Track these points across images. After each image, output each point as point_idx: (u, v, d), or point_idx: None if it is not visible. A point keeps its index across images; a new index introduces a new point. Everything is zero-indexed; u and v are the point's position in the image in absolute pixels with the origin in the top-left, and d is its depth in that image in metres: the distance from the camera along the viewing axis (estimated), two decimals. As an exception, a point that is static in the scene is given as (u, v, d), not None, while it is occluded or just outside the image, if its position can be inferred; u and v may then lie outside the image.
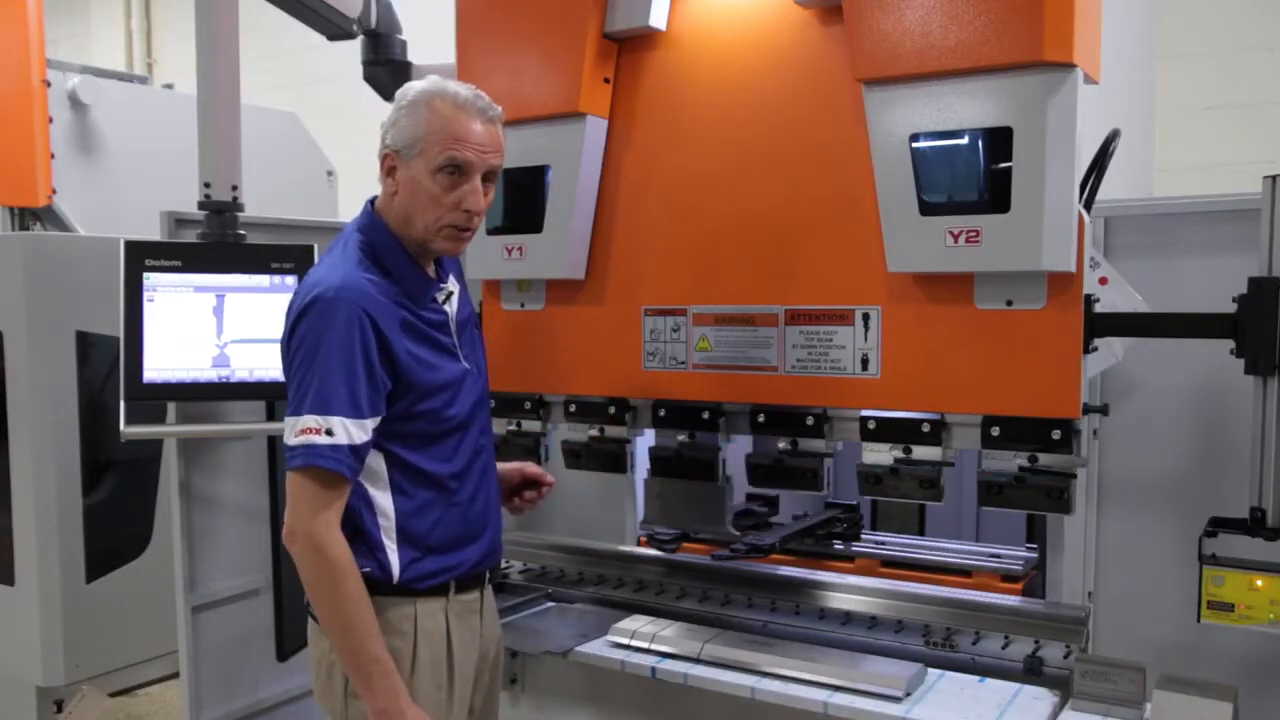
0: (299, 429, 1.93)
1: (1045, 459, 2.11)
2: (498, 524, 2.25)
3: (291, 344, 2.00)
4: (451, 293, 2.20)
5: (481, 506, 2.20)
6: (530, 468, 2.49)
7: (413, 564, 2.08)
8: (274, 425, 3.23)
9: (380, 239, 2.10)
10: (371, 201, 2.19)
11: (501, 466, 2.41)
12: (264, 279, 3.05)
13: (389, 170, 2.09)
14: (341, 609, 1.97)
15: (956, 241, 2.05)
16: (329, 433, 1.92)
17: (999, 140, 2.00)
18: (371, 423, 1.98)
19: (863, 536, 3.18)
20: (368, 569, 2.04)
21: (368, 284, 2.01)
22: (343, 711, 2.10)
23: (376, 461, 2.05)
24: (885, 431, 2.26)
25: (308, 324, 1.97)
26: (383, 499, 2.07)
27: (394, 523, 2.07)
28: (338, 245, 2.13)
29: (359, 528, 2.05)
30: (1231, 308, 2.02)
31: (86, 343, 3.60)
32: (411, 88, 2.08)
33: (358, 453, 1.96)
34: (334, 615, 1.99)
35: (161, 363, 2.96)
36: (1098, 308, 2.12)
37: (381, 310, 2.00)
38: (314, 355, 1.95)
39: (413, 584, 2.08)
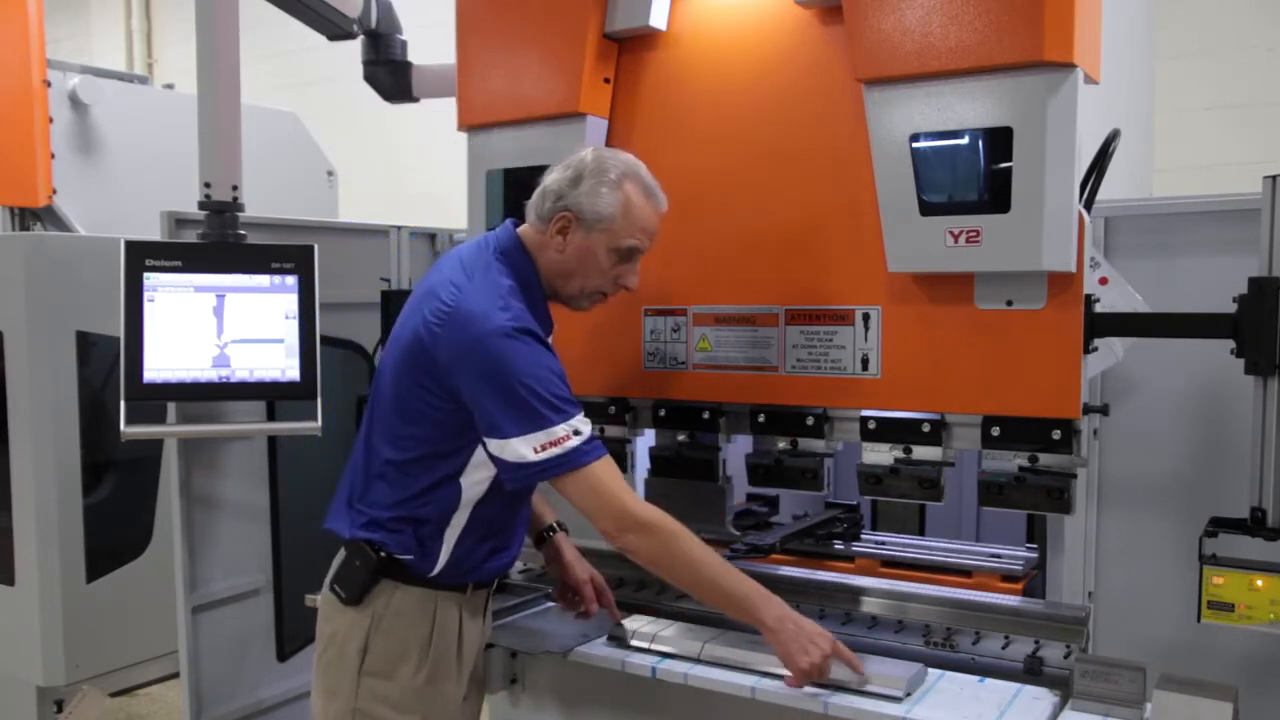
0: (544, 443, 1.99)
1: (1045, 459, 2.11)
2: (520, 539, 2.37)
3: (472, 371, 2.02)
4: (552, 333, 2.29)
5: (515, 525, 2.32)
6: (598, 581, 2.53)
7: (448, 566, 2.19)
8: (274, 425, 3.23)
9: (527, 273, 2.18)
10: (515, 224, 2.25)
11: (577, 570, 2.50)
12: (264, 279, 3.05)
13: (561, 229, 2.16)
14: (699, 567, 2.07)
15: (956, 241, 2.05)
16: (577, 432, 2.02)
17: (999, 140, 2.00)
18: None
19: (863, 536, 3.17)
20: (410, 557, 2.17)
21: (526, 315, 2.08)
22: (354, 689, 2.18)
23: (476, 488, 2.15)
24: (885, 431, 2.26)
25: (492, 356, 2.01)
26: (461, 516, 2.18)
27: (457, 534, 2.18)
28: (483, 265, 2.15)
29: (432, 523, 2.16)
30: (1231, 308, 2.02)
31: (86, 343, 3.60)
32: (609, 160, 2.17)
33: (596, 431, 2.12)
34: (695, 573, 2.07)
35: (161, 363, 2.96)
36: (1098, 308, 2.12)
37: (543, 338, 2.10)
38: (517, 379, 1.99)
39: (441, 580, 2.20)
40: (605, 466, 2.06)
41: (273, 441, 3.43)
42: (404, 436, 2.15)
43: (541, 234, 2.19)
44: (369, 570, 2.16)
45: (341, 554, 2.22)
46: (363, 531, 2.19)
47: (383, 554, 2.16)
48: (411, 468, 2.15)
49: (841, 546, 3.08)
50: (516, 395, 1.99)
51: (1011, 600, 2.45)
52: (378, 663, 2.18)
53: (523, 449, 2.00)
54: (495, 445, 2.03)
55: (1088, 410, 2.10)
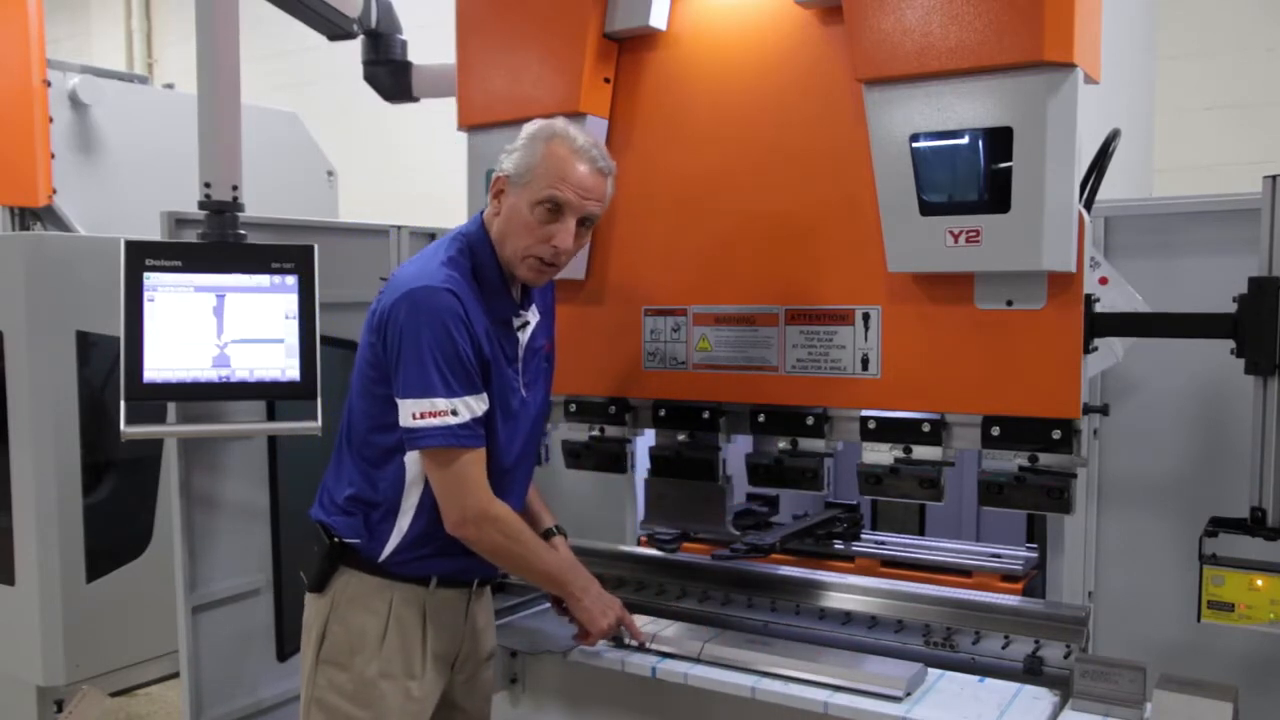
0: (424, 411, 2.05)
1: (1045, 459, 2.11)
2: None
3: (391, 332, 2.09)
4: (528, 323, 2.28)
5: None
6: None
7: (398, 552, 2.19)
8: (274, 425, 3.23)
9: (482, 250, 2.20)
10: (483, 212, 2.27)
11: None
12: (264, 279, 3.05)
13: (497, 193, 2.19)
14: (529, 557, 2.21)
15: (956, 241, 2.05)
16: (454, 413, 2.05)
17: (999, 140, 2.00)
18: (484, 397, 2.11)
19: (863, 536, 3.18)
20: (357, 540, 2.18)
21: (458, 282, 2.11)
22: (311, 677, 2.22)
23: (419, 465, 2.15)
24: (885, 431, 2.26)
25: (409, 313, 2.06)
26: (412, 497, 2.18)
27: (410, 518, 2.18)
28: (438, 244, 2.23)
29: (383, 505, 2.17)
30: (1231, 308, 2.02)
31: (86, 343, 3.60)
32: (536, 123, 2.20)
33: (480, 423, 2.10)
34: (525, 562, 2.23)
35: (161, 363, 2.96)
36: (1098, 308, 2.12)
37: (472, 308, 2.11)
38: (419, 339, 2.05)
39: (395, 570, 2.19)
40: (475, 456, 2.10)
41: (273, 441, 3.43)
42: (358, 413, 2.21)
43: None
44: (324, 555, 2.20)
45: None
46: (322, 513, 2.23)
47: (335, 539, 2.19)
48: (363, 445, 2.20)
49: (841, 546, 3.08)
50: (419, 355, 2.04)
51: (1011, 600, 2.45)
52: (333, 651, 2.19)
53: (406, 413, 2.06)
54: (399, 406, 2.08)
55: (1088, 410, 2.10)
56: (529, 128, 2.20)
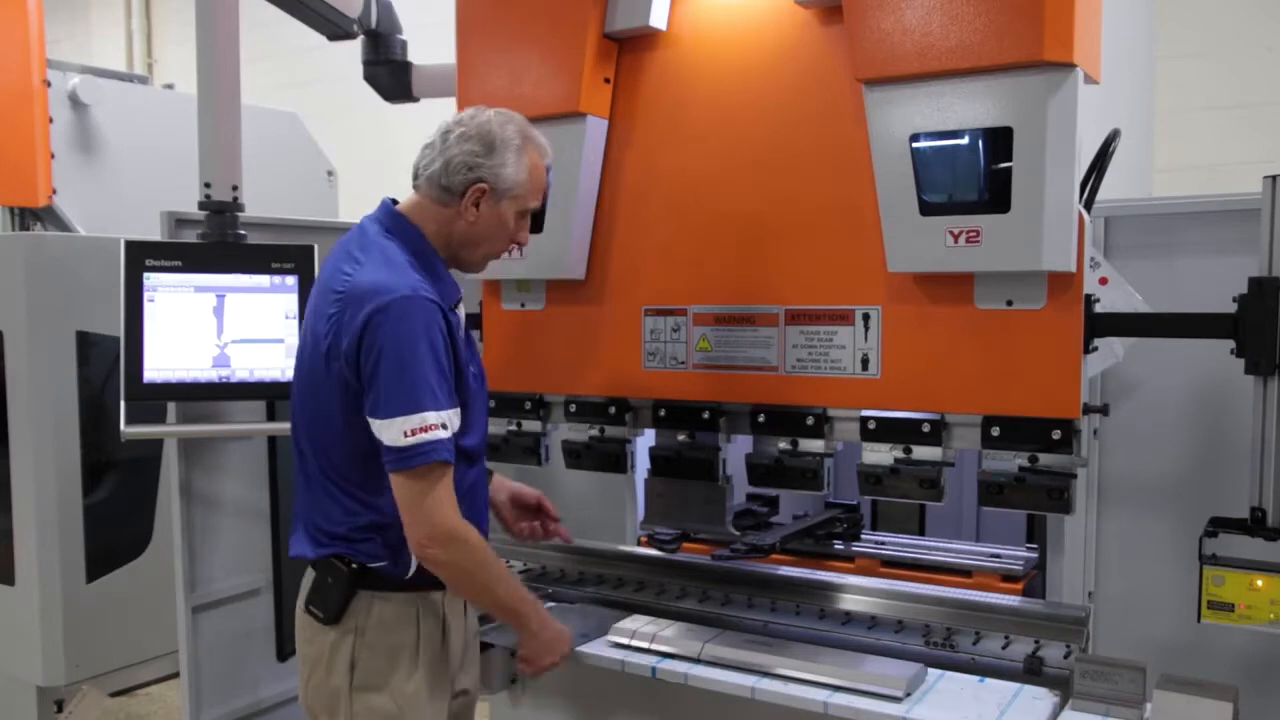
0: (418, 426, 1.96)
1: (1045, 459, 2.11)
2: (485, 529, 2.31)
3: (368, 345, 1.99)
4: (461, 299, 2.26)
5: (472, 516, 2.22)
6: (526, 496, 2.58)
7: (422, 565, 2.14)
8: (274, 425, 3.24)
9: (420, 245, 2.16)
10: (393, 202, 2.23)
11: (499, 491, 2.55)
12: (264, 279, 3.05)
13: (475, 201, 2.15)
14: (491, 581, 2.15)
15: (956, 241, 2.05)
16: (444, 426, 2.00)
17: (999, 140, 2.00)
18: (459, 411, 2.07)
19: (863, 536, 3.17)
20: (383, 564, 2.13)
21: (428, 287, 2.06)
22: (348, 707, 2.14)
23: None
24: (885, 431, 2.26)
25: (392, 325, 1.98)
26: None
27: None
28: (374, 248, 2.12)
29: (394, 525, 2.08)
30: (1231, 308, 2.02)
31: (86, 343, 3.60)
32: (509, 127, 2.16)
33: (455, 437, 2.06)
34: (487, 589, 2.16)
35: (161, 363, 2.96)
36: (1098, 308, 2.12)
37: (447, 312, 2.08)
38: (408, 353, 1.98)
39: (418, 581, 2.15)
40: (449, 473, 2.03)
41: (273, 441, 3.43)
42: (334, 444, 2.11)
43: (445, 206, 2.16)
44: (343, 585, 2.12)
45: (311, 574, 2.18)
46: (320, 548, 2.15)
47: (354, 565, 2.12)
48: (348, 470, 2.11)
49: (841, 546, 3.08)
50: (407, 369, 1.97)
51: (1011, 600, 2.45)
52: (368, 676, 2.13)
53: (395, 431, 1.97)
54: (375, 426, 2.00)
55: (1088, 410, 2.10)
56: (501, 129, 2.14)
